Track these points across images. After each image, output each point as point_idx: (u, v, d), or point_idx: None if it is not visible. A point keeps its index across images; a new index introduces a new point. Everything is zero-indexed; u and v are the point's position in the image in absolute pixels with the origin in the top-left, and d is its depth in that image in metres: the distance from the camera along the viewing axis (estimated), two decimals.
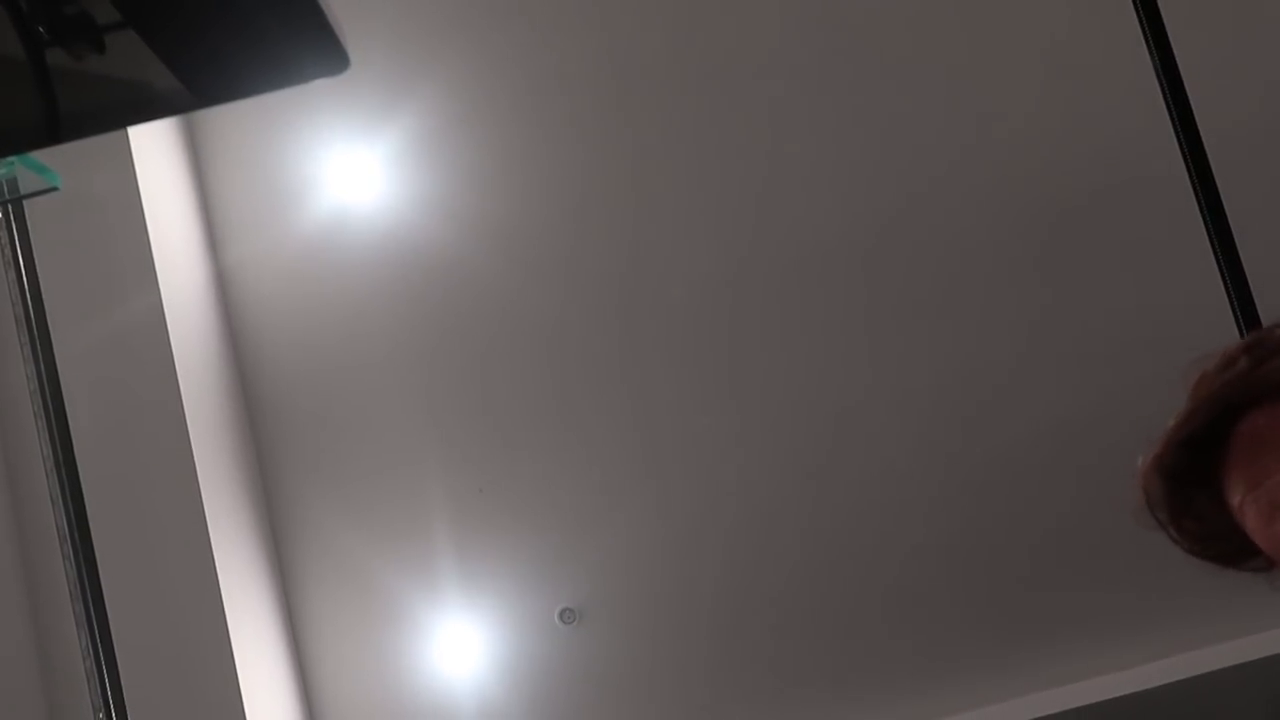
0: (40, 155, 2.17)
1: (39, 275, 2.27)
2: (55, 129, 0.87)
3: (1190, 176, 2.12)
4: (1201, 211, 2.12)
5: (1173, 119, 2.14)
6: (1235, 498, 1.17)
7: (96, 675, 2.16)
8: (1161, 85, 2.14)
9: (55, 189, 2.28)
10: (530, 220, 3.21)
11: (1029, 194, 3.09)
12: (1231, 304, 2.11)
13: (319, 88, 2.96)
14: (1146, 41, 2.16)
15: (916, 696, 2.99)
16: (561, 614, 3.09)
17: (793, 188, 3.16)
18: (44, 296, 2.26)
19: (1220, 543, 1.22)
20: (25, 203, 2.30)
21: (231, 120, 3.28)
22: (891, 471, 3.06)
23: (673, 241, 3.19)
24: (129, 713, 2.18)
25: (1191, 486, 1.21)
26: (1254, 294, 2.10)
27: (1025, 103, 3.14)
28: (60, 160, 2.26)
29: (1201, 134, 2.13)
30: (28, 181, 2.27)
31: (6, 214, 2.34)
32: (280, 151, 3.28)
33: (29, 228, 2.29)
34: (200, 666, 2.69)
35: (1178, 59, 2.14)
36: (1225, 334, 2.20)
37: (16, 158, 2.11)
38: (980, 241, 3.10)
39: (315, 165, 3.27)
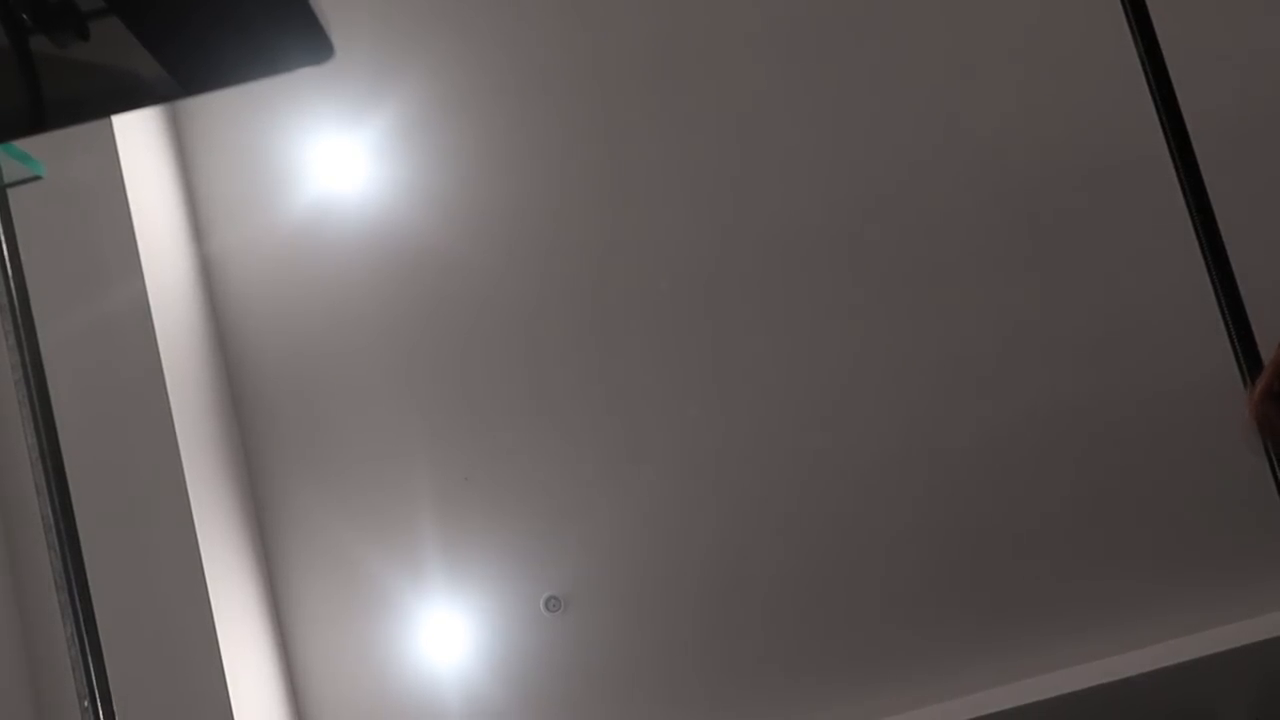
0: (24, 144, 2.16)
1: (23, 264, 2.26)
2: (39, 117, 0.86)
3: (1176, 166, 2.12)
4: (1186, 200, 2.12)
5: (1157, 108, 2.14)
6: None
7: (82, 664, 2.15)
8: (1146, 73, 2.14)
9: (39, 177, 2.27)
10: (513, 208, 3.21)
11: (1013, 182, 3.10)
12: (1216, 291, 2.11)
13: (303, 76, 2.94)
14: (1131, 29, 2.16)
15: (903, 682, 3.00)
16: (547, 602, 3.09)
17: (774, 177, 3.16)
18: (28, 285, 2.25)
19: None
20: (9, 191, 2.29)
21: (216, 108, 3.27)
22: (876, 458, 3.07)
23: (655, 230, 3.18)
24: (114, 700, 2.17)
25: None
26: (1238, 281, 2.10)
27: (1009, 90, 3.14)
28: (44, 149, 2.25)
29: (1186, 122, 2.13)
30: (11, 170, 2.26)
31: None
32: (265, 140, 3.27)
33: (12, 216, 2.27)
34: (186, 655, 2.69)
35: (1162, 46, 2.14)
36: (1210, 321, 2.21)
37: (0, 146, 2.10)
38: (965, 229, 3.10)
39: (299, 154, 3.26)
